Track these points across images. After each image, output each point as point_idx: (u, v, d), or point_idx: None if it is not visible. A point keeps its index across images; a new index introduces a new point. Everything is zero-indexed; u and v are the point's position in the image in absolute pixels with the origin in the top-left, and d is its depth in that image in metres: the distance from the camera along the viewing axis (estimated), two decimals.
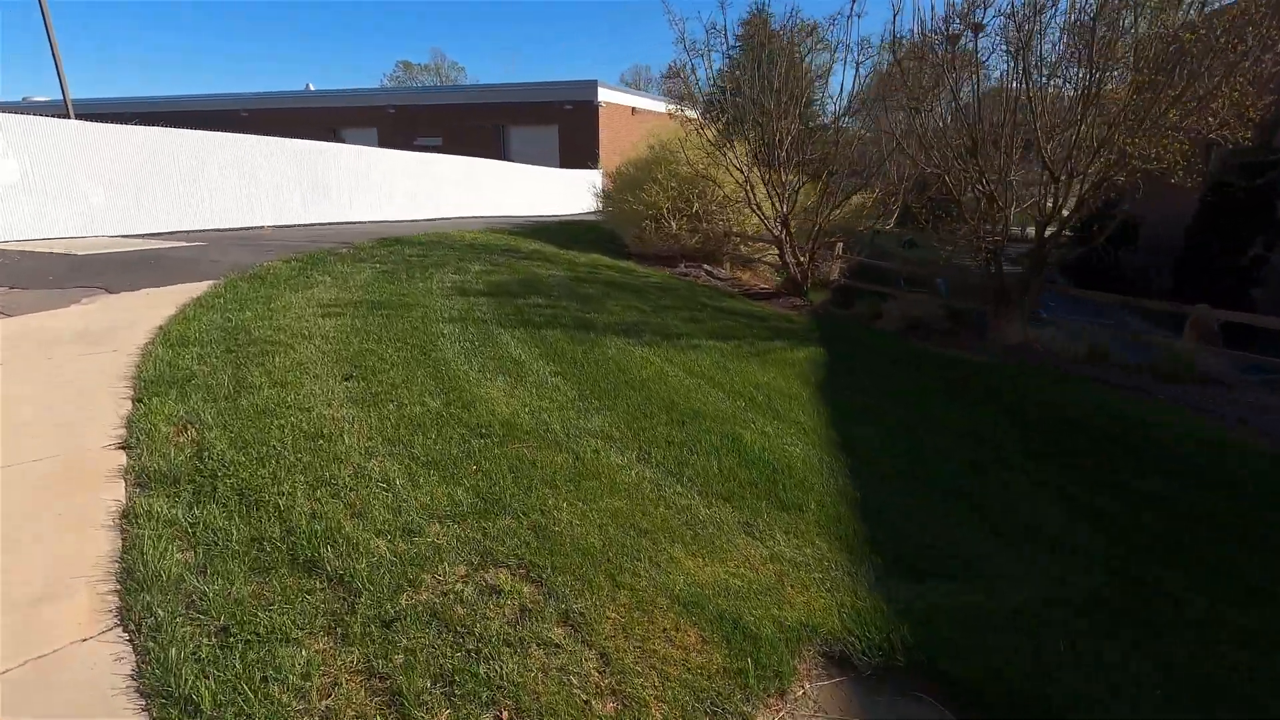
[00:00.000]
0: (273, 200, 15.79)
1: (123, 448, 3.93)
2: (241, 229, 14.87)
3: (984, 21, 7.85)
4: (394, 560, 2.96)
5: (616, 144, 35.47)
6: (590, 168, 33.43)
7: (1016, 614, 3.16)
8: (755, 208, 12.06)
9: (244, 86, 73.95)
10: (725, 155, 12.05)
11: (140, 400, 4.56)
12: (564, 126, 34.37)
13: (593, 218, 27.81)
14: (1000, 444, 5.73)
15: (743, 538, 3.56)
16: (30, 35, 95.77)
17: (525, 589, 2.87)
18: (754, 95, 11.26)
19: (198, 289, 8.00)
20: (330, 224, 17.02)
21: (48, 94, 41.86)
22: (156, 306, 7.17)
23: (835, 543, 3.62)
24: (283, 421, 4.30)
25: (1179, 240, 15.13)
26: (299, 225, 16.26)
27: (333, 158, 17.45)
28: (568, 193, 31.39)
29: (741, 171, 11.96)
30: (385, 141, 34.45)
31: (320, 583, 2.79)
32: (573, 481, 3.90)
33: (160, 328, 6.30)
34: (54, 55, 19.03)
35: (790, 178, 11.38)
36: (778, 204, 11.73)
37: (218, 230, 14.38)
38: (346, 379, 5.25)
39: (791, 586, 3.16)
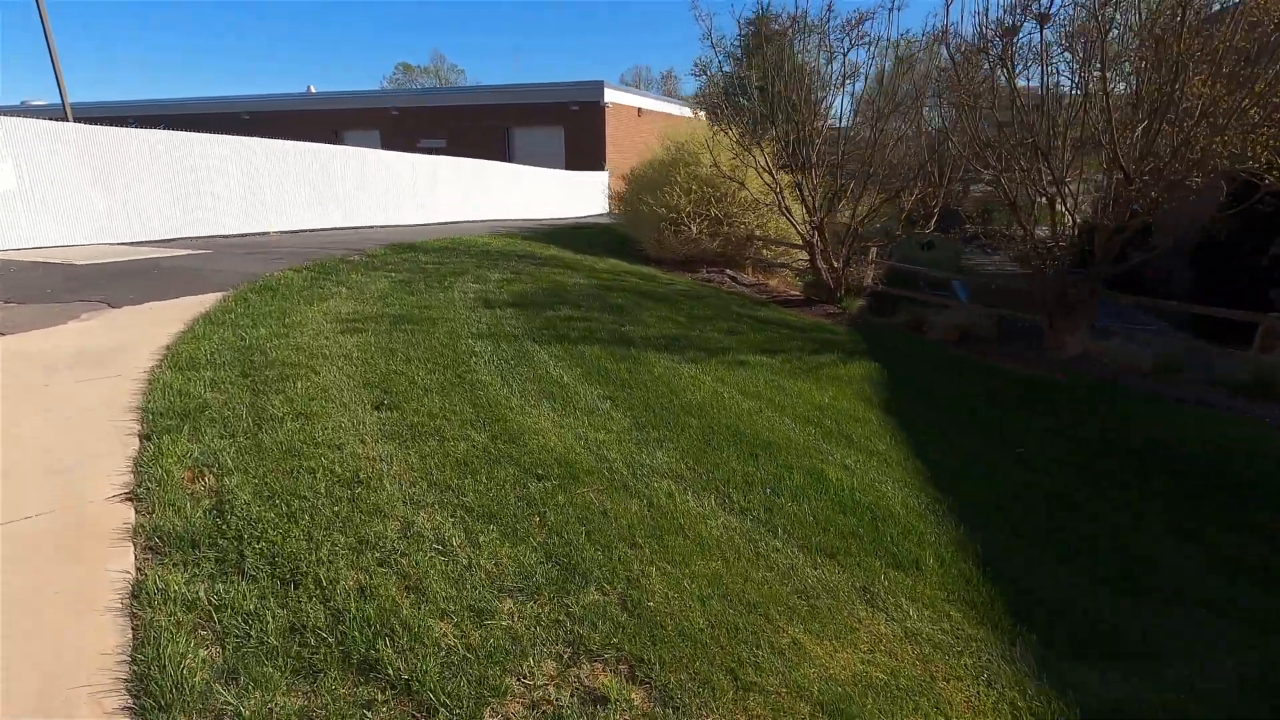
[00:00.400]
0: (278, 205, 15.26)
1: (130, 499, 3.38)
2: (247, 235, 14.32)
3: (1051, 11, 7.31)
4: (467, 656, 2.41)
5: (622, 145, 34.97)
6: (597, 169, 32.93)
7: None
8: (784, 211, 11.53)
9: (242, 89, 73.58)
10: (754, 156, 11.51)
11: (149, 437, 4.01)
12: (570, 128, 33.88)
13: (603, 220, 27.27)
14: (1104, 477, 5.19)
15: (865, 609, 3.01)
16: (30, 37, 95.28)
17: (634, 696, 2.32)
18: (785, 93, 10.74)
19: (206, 302, 7.46)
20: (337, 229, 16.49)
21: (47, 97, 41.39)
22: (162, 322, 6.62)
23: (971, 613, 3.08)
24: (313, 463, 3.76)
25: (1192, 241, 14.51)
26: (305, 231, 15.72)
27: (338, 161, 16.91)
28: (575, 195, 30.91)
29: (771, 173, 11.43)
30: (388, 143, 33.98)
31: (382, 692, 2.24)
32: (654, 537, 3.35)
33: (167, 347, 5.76)
34: (52, 57, 18.50)
35: (823, 180, 10.85)
36: (810, 207, 11.19)
37: (222, 237, 13.83)
38: (378, 408, 4.71)
39: (944, 679, 2.61)
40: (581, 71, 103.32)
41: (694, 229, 14.13)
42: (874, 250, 11.39)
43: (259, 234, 14.60)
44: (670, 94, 57.86)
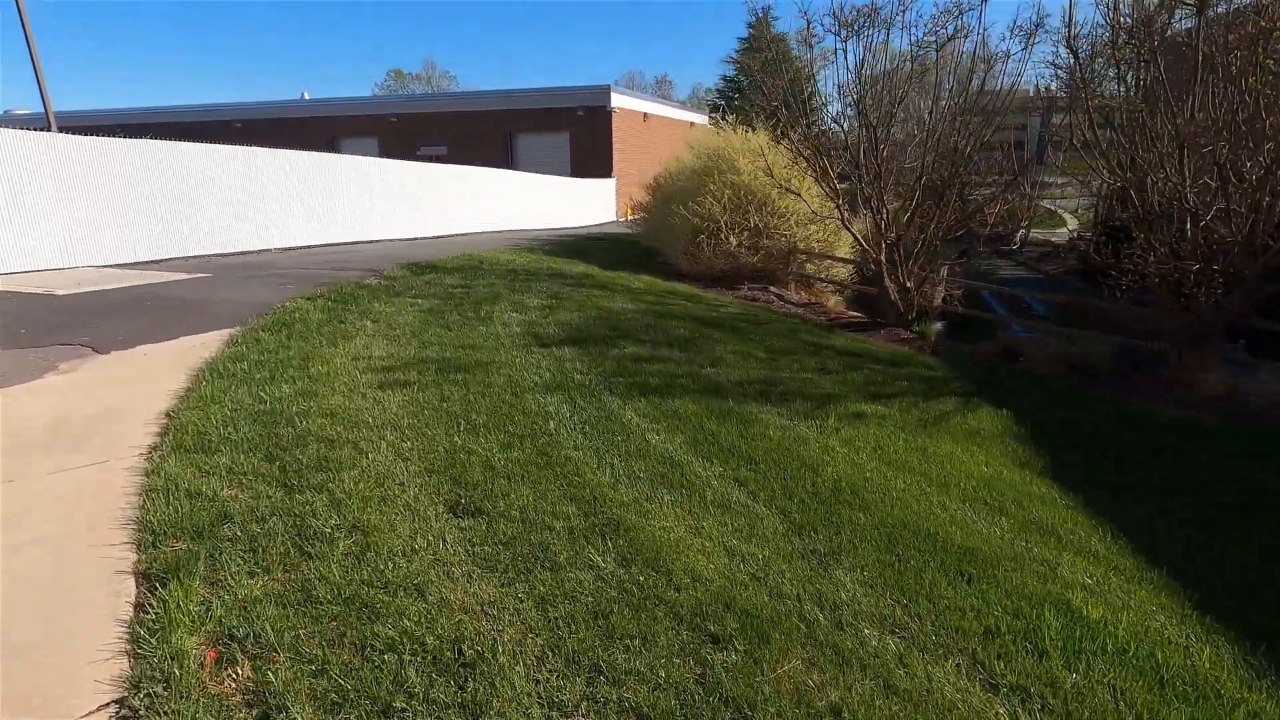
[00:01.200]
0: (280, 219, 14.03)
1: (125, 715, 2.20)
2: (247, 253, 13.08)
3: None
4: None
5: (629, 151, 33.89)
6: (603, 176, 31.83)
7: None
8: (846, 225, 10.40)
9: (229, 98, 72.05)
10: (816, 162, 10.38)
11: (148, 578, 2.84)
12: (575, 133, 32.77)
13: (615, 230, 26.14)
14: None
15: None
16: (23, 43, 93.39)
17: None
18: (865, 91, 9.60)
19: (210, 343, 6.26)
20: (343, 245, 15.26)
21: (34, 105, 39.96)
22: (160, 374, 5.43)
23: None
24: (391, 630, 2.57)
25: None
26: (310, 247, 14.50)
27: (342, 171, 15.70)
28: (583, 203, 29.83)
29: (832, 182, 10.33)
30: (386, 151, 32.77)
31: None
32: None
33: (168, 414, 4.57)
34: (33, 62, 17.27)
35: (897, 189, 9.72)
36: (881, 220, 10.05)
37: (221, 256, 12.59)
38: (454, 511, 3.53)
39: None
40: (573, 78, 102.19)
41: (733, 241, 13.03)
42: (944, 268, 10.29)
43: (259, 251, 13.37)
44: (666, 99, 56.70)
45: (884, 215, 9.78)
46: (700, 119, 44.64)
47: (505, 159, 33.39)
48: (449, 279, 10.36)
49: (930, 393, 6.92)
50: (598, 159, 32.36)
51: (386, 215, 16.81)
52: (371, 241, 16.19)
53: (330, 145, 36.54)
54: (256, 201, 13.45)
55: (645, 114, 35.80)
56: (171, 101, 54.50)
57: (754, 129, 14.73)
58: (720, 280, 13.61)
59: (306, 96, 38.41)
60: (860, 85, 9.28)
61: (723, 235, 13.11)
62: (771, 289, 13.15)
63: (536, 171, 28.88)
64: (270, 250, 13.63)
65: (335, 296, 8.51)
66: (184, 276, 10.09)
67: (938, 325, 9.71)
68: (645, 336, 7.75)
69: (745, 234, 13.19)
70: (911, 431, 5.67)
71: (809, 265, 13.75)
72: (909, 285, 9.86)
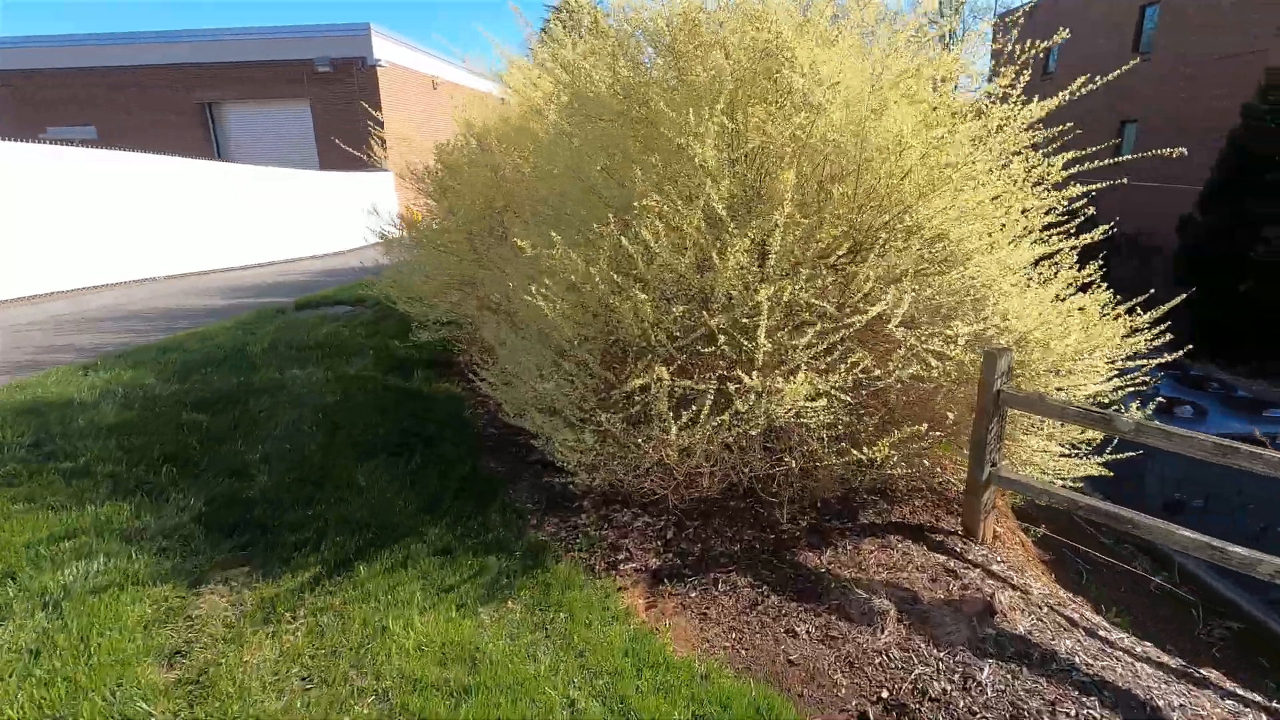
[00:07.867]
0: None
1: None
2: None
3: None
4: None
5: (413, 130, 22.50)
6: (370, 168, 20.31)
7: None
8: None
9: None
10: None
11: None
12: (319, 101, 20.82)
13: (374, 262, 15.04)
14: None
15: None
16: None
17: None
18: None
19: None
20: None
21: None
22: None
23: None
24: None
25: None
26: None
27: None
28: (339, 214, 18.25)
29: None
30: None
31: None
32: None
33: None
34: None
35: None
36: None
37: None
38: None
39: None
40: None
41: (799, 351, 3.09)
42: None
43: None
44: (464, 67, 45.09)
45: None
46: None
47: (204, 143, 20.63)
48: None
49: None
50: (359, 139, 20.69)
51: None
52: None
53: None
54: None
55: (435, 79, 24.39)
56: None
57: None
58: (703, 511, 3.76)
59: None
60: None
61: (758, 347, 3.11)
62: (998, 593, 3.38)
63: (259, 163, 17.06)
64: None
65: None
66: None
67: None
68: None
69: (829, 336, 3.27)
70: None
71: (1032, 438, 4.05)
72: None
